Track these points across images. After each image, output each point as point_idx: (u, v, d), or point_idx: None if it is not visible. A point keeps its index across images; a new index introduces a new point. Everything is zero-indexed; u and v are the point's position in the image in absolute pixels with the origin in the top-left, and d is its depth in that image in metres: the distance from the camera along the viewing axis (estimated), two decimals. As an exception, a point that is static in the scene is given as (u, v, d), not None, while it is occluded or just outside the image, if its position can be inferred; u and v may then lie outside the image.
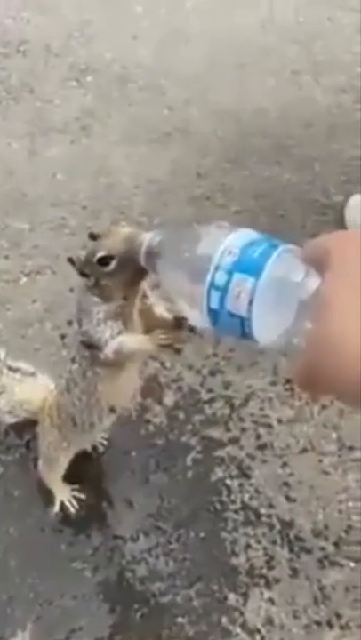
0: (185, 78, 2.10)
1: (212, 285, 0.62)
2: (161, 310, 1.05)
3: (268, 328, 0.60)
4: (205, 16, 2.28)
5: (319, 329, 0.49)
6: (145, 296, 1.04)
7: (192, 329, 1.03)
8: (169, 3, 2.31)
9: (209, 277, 0.62)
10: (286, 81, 2.13)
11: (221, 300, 0.62)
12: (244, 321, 0.61)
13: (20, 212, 1.74)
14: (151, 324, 1.04)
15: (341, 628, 1.20)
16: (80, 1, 2.28)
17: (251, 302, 0.60)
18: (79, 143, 1.92)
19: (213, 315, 0.63)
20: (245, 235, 0.64)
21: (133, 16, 2.26)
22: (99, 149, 1.91)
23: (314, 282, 0.55)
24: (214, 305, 0.62)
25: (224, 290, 0.61)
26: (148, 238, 0.84)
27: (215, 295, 0.62)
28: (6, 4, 2.24)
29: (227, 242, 0.63)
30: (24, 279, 1.62)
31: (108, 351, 1.02)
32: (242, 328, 0.61)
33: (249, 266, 0.60)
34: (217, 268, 0.62)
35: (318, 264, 0.53)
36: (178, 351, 1.03)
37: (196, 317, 0.66)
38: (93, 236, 0.99)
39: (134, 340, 1.02)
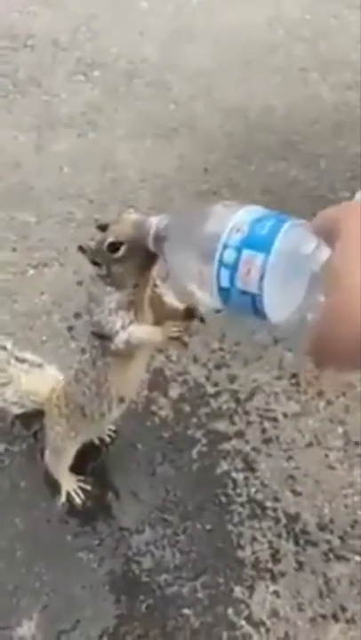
0: (191, 74, 2.10)
1: (222, 264, 0.61)
2: (171, 299, 1.05)
3: (280, 304, 0.59)
4: (212, 13, 2.28)
5: (331, 300, 0.48)
6: (155, 285, 1.04)
7: (202, 319, 1.03)
8: (176, -1, 2.31)
9: (218, 256, 0.61)
10: (293, 78, 2.13)
11: (231, 278, 0.61)
12: (256, 297, 0.60)
13: (26, 204, 1.74)
14: (161, 314, 1.04)
15: (347, 621, 1.20)
16: (87, -4, 2.29)
17: (261, 278, 0.59)
18: (86, 137, 1.93)
19: (224, 294, 0.62)
20: (253, 211, 0.63)
21: (140, 12, 2.26)
22: (105, 144, 1.91)
23: (325, 253, 0.53)
24: (224, 283, 0.61)
25: (234, 267, 0.60)
26: (155, 222, 0.84)
27: (225, 273, 0.61)
28: (14, -2, 2.25)
29: (234, 219, 0.62)
30: (31, 271, 1.62)
31: (119, 341, 1.02)
32: (253, 305, 0.60)
33: (258, 242, 0.59)
34: (225, 246, 0.61)
35: (328, 235, 0.51)
36: (185, 344, 1.03)
37: (207, 299, 0.65)
38: (102, 227, 1.00)
39: (144, 331, 1.02)
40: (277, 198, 1.80)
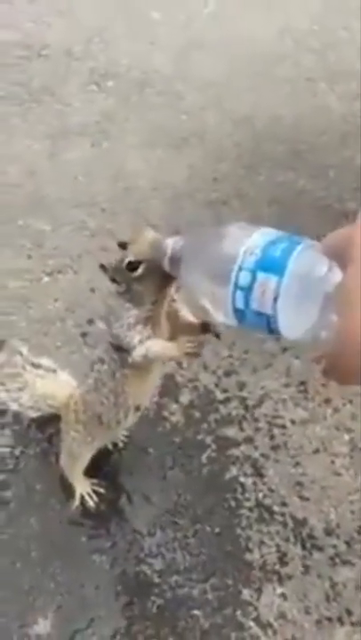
0: (202, 84, 2.14)
1: (237, 286, 0.63)
2: (187, 315, 1.08)
3: (294, 323, 0.61)
4: (222, 24, 2.32)
5: (343, 323, 0.50)
6: (172, 300, 1.07)
7: (217, 335, 1.07)
8: (186, 10, 2.35)
9: (233, 278, 0.63)
10: (301, 88, 2.17)
11: (246, 300, 0.63)
12: (270, 318, 0.62)
13: (41, 212, 1.78)
14: (177, 328, 1.08)
15: (352, 624, 1.23)
16: (100, 7, 2.33)
17: (275, 300, 0.61)
18: (99, 146, 1.97)
19: (240, 314, 0.65)
20: (266, 234, 0.65)
21: (151, 22, 2.30)
22: (117, 153, 1.95)
23: (337, 275, 0.55)
24: (240, 305, 0.64)
25: (248, 290, 0.63)
26: (171, 244, 0.87)
27: (240, 295, 0.63)
28: (29, 8, 2.29)
29: (248, 242, 0.64)
30: (46, 278, 1.66)
31: (136, 355, 1.06)
32: (268, 325, 0.63)
33: (272, 264, 0.61)
34: (240, 269, 0.63)
35: (340, 256, 0.53)
36: (198, 356, 1.07)
37: (221, 318, 0.68)
38: (122, 245, 1.03)
39: (161, 347, 1.05)
40: (285, 208, 1.83)
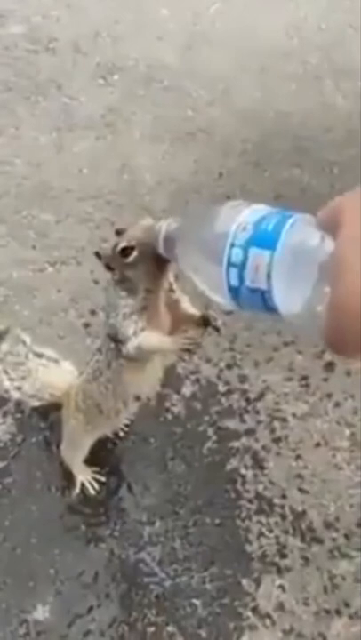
0: (209, 80, 2.14)
1: (230, 263, 0.62)
2: (188, 306, 1.08)
3: (289, 298, 0.60)
4: (230, 20, 2.32)
5: (335, 290, 0.48)
6: (172, 290, 1.07)
7: (217, 328, 1.07)
8: (194, 6, 2.35)
9: (226, 256, 0.62)
10: (308, 86, 2.17)
11: (240, 277, 0.62)
12: (265, 294, 0.61)
13: (47, 204, 1.79)
14: (177, 319, 1.08)
15: (350, 616, 1.23)
16: (108, 2, 2.34)
17: (269, 274, 0.59)
18: (104, 140, 1.97)
19: (234, 292, 0.63)
20: (257, 210, 0.64)
21: (159, 17, 2.31)
22: (123, 147, 1.96)
23: (330, 246, 0.53)
24: (234, 282, 0.62)
25: (242, 266, 0.61)
26: (164, 226, 0.87)
27: (233, 273, 0.62)
28: (37, 2, 2.30)
29: (240, 219, 0.63)
30: (50, 269, 1.67)
31: (130, 347, 1.05)
32: (263, 301, 0.61)
33: (264, 239, 0.60)
34: (232, 246, 0.62)
35: (332, 227, 0.51)
36: (193, 352, 1.07)
37: (218, 298, 0.66)
38: (119, 232, 1.03)
39: (156, 340, 1.05)
40: (290, 204, 1.82)
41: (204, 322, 1.06)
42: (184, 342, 1.03)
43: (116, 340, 1.08)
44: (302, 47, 2.28)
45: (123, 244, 0.99)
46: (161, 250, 0.89)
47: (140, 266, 0.99)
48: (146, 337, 1.04)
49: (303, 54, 2.25)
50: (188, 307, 1.08)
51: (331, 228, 0.51)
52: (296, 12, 2.36)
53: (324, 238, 0.56)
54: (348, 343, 0.48)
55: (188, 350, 1.04)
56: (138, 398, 1.19)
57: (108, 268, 1.03)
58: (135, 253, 0.98)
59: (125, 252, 0.98)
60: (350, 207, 0.50)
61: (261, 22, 2.31)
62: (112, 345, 1.10)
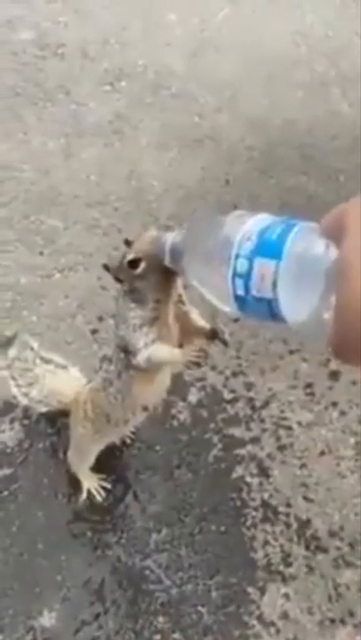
0: (216, 87, 2.15)
1: (235, 273, 0.62)
2: (197, 317, 1.09)
3: (296, 306, 0.60)
4: (237, 27, 2.33)
5: (340, 296, 0.47)
6: (181, 302, 1.07)
7: (225, 342, 1.07)
8: (202, 12, 2.36)
9: (231, 266, 0.63)
10: (315, 93, 2.18)
11: (246, 287, 0.62)
12: (271, 302, 0.61)
13: (54, 210, 1.80)
14: (186, 331, 1.08)
15: (354, 625, 1.24)
16: (116, 8, 2.35)
17: (275, 283, 0.60)
18: (112, 146, 1.98)
19: (241, 302, 0.64)
20: (262, 219, 0.64)
21: (167, 24, 2.32)
22: (130, 153, 1.97)
23: (335, 253, 0.53)
24: (240, 292, 0.63)
25: (247, 276, 0.62)
26: (170, 238, 0.88)
27: (239, 282, 0.62)
28: (46, 8, 2.31)
29: (244, 229, 0.63)
30: (57, 275, 1.67)
31: (140, 358, 1.06)
32: (270, 310, 0.62)
33: (268, 248, 0.60)
34: (237, 256, 0.62)
35: (336, 234, 0.51)
36: (201, 365, 1.07)
37: (225, 308, 0.67)
38: (128, 243, 1.04)
39: (165, 352, 1.05)
40: (296, 212, 1.83)
41: (213, 335, 1.07)
42: (194, 355, 1.03)
43: (126, 351, 1.08)
44: (309, 55, 2.28)
45: (130, 256, 0.99)
46: (167, 262, 0.89)
47: (149, 277, 0.99)
48: (156, 349, 1.04)
49: (310, 62, 2.26)
50: (198, 319, 1.08)
51: (334, 235, 0.52)
52: (303, 19, 2.37)
53: (328, 246, 0.56)
54: (354, 350, 0.48)
55: (197, 363, 1.04)
56: (146, 408, 1.20)
57: (117, 279, 1.04)
58: (143, 265, 0.99)
59: (133, 263, 0.99)
60: (353, 214, 0.50)
61: (269, 29, 2.31)
62: (122, 356, 1.11)
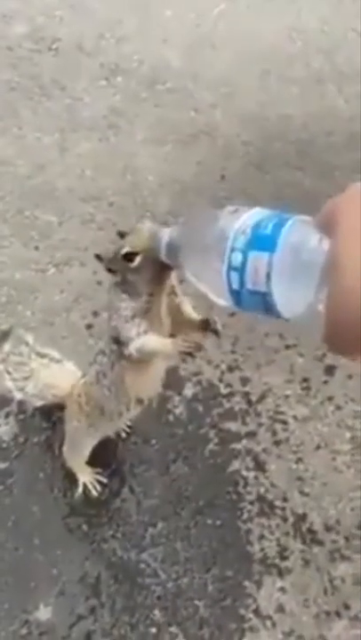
0: (212, 82, 2.15)
1: (230, 267, 0.63)
2: (189, 309, 1.09)
3: (290, 299, 0.60)
4: (233, 22, 2.33)
5: (333, 288, 0.48)
6: (174, 293, 1.07)
7: (217, 332, 1.07)
8: (198, 8, 2.36)
9: (226, 260, 0.63)
10: (310, 89, 2.18)
11: (241, 280, 0.62)
12: (266, 296, 0.61)
13: (49, 205, 1.79)
14: (179, 322, 1.08)
15: (350, 618, 1.24)
16: (112, 2, 2.34)
17: (268, 276, 0.60)
18: (107, 141, 1.98)
19: (236, 296, 0.64)
20: (256, 213, 0.64)
21: (163, 19, 2.31)
22: (126, 148, 1.96)
23: (328, 246, 0.53)
24: (235, 286, 0.63)
25: (242, 269, 0.62)
26: (167, 233, 0.88)
27: (234, 276, 0.63)
28: (41, 2, 2.30)
29: (239, 223, 0.64)
30: (52, 270, 1.67)
31: (132, 348, 1.06)
32: (265, 304, 0.62)
33: (262, 242, 0.61)
34: (232, 250, 0.63)
35: (328, 227, 0.51)
36: (193, 356, 1.07)
37: (221, 302, 0.67)
38: (121, 234, 1.03)
39: (157, 342, 1.05)
40: (292, 208, 1.84)
41: (205, 325, 1.06)
42: (185, 345, 1.03)
43: (118, 341, 1.08)
44: (305, 50, 2.28)
45: (127, 250, 0.99)
46: (163, 256, 0.89)
47: (143, 270, 0.99)
48: (147, 339, 1.05)
49: (306, 57, 2.26)
50: (190, 310, 1.08)
51: (327, 228, 0.52)
52: (299, 15, 2.37)
53: (322, 239, 0.56)
54: (347, 341, 0.48)
55: (189, 354, 1.04)
56: (140, 401, 1.20)
57: (110, 270, 1.04)
58: (139, 259, 0.98)
59: (129, 256, 0.99)
60: (345, 207, 0.50)
61: (265, 25, 2.31)
62: (114, 347, 1.10)
